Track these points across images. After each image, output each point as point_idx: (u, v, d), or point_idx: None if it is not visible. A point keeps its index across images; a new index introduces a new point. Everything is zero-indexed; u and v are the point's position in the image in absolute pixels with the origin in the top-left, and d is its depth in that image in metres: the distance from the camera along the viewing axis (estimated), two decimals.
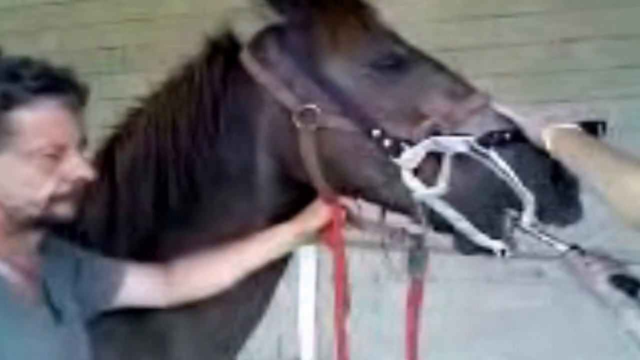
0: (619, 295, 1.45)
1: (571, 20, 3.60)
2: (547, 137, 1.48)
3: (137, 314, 1.77)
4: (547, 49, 3.63)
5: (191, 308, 1.78)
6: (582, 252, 1.54)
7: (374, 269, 3.43)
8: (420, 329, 1.81)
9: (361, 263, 2.97)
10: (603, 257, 1.52)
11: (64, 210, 1.51)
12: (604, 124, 1.53)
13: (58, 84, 1.48)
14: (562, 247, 1.56)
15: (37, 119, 1.45)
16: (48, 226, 1.56)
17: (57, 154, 1.47)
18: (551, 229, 1.59)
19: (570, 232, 1.59)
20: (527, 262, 3.42)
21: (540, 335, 3.62)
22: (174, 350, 1.82)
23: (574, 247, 1.55)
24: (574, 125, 1.50)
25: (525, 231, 1.57)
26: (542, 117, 1.55)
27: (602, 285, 1.47)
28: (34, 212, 1.49)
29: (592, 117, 1.55)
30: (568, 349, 3.57)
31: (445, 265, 3.18)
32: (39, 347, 1.47)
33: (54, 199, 1.49)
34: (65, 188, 1.49)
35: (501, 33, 3.68)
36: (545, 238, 1.58)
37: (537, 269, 3.59)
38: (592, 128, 1.52)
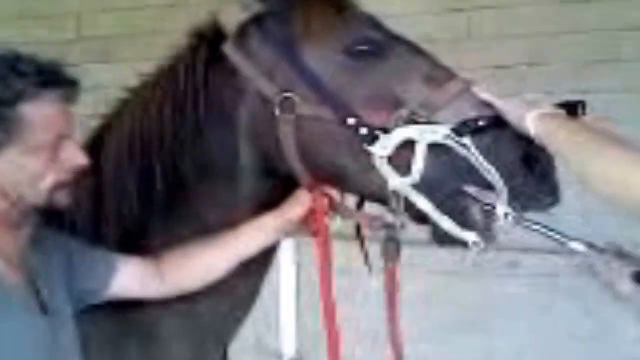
0: None
1: (550, 14, 3.63)
2: (530, 125, 1.44)
3: (128, 307, 1.76)
4: (526, 41, 3.66)
5: (182, 299, 1.78)
6: (600, 250, 1.45)
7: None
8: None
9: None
10: (621, 254, 1.43)
11: (63, 198, 1.56)
12: (583, 104, 1.51)
13: (58, 77, 1.52)
14: (577, 246, 1.47)
15: (44, 112, 1.49)
16: (44, 214, 1.59)
17: (58, 145, 1.51)
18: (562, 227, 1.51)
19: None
20: (501, 253, 3.44)
21: (516, 327, 3.65)
22: (165, 343, 1.82)
23: (589, 245, 1.46)
24: (558, 110, 1.47)
25: (533, 229, 1.52)
26: (523, 101, 1.51)
27: (626, 284, 1.38)
28: (37, 201, 1.53)
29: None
30: (544, 341, 3.61)
31: (422, 257, 3.19)
32: (22, 337, 1.47)
33: (55, 187, 1.53)
34: (64, 176, 1.54)
35: (481, 25, 3.70)
36: (557, 236, 1.51)
37: (510, 260, 3.60)
38: (571, 108, 1.49)
